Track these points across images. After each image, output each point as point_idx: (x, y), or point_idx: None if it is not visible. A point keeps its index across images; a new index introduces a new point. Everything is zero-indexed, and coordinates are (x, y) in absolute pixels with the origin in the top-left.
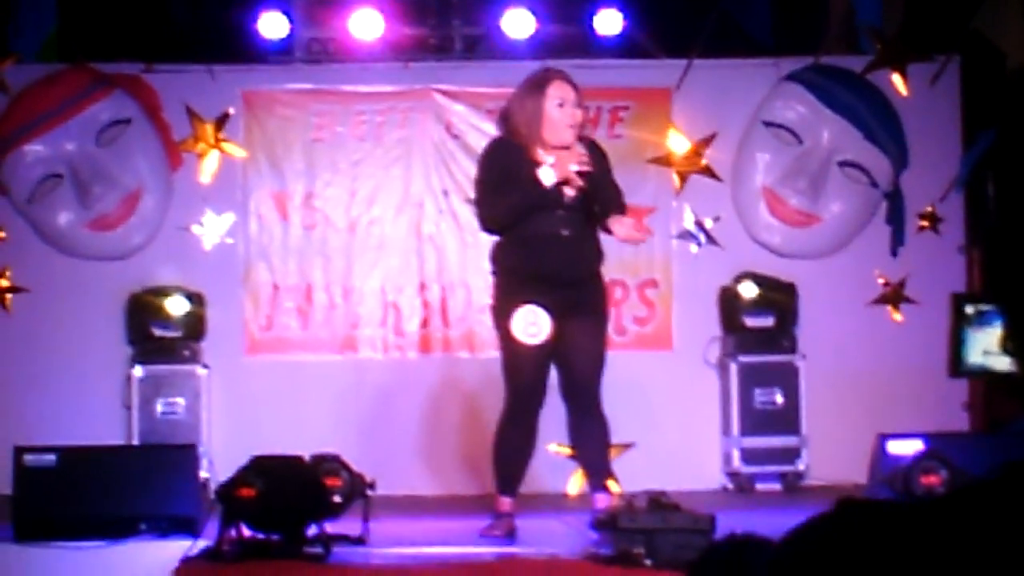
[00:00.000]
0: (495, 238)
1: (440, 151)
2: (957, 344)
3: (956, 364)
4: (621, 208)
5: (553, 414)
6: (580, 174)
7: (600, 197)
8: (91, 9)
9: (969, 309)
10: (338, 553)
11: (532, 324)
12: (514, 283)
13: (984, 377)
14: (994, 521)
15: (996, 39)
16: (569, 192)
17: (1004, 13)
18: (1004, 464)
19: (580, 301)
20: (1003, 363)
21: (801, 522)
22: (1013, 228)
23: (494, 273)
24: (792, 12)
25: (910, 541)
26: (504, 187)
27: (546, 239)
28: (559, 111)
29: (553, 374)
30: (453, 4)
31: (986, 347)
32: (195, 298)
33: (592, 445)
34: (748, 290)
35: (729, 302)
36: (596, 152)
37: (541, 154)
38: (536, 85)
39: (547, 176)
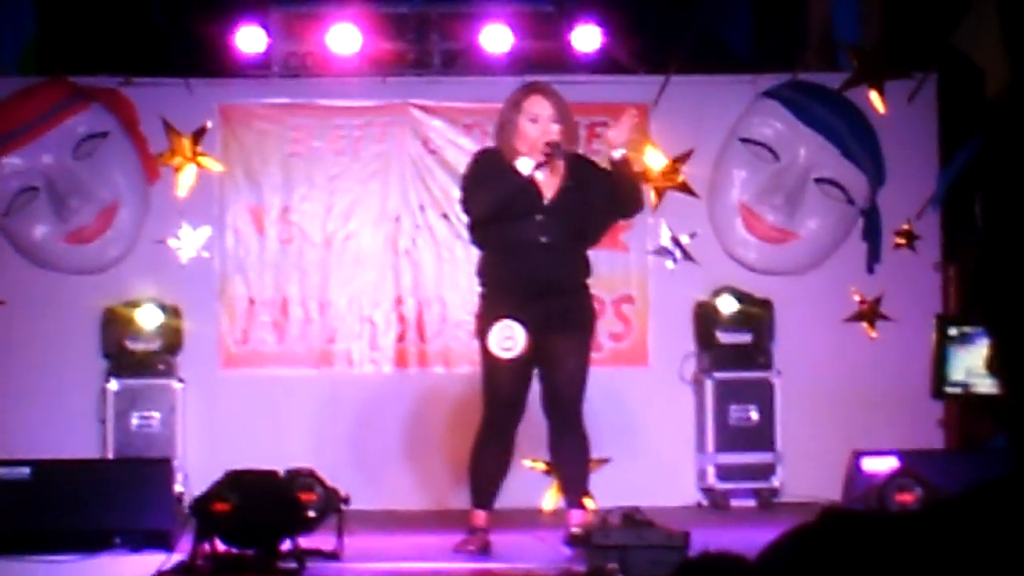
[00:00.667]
0: (479, 254)
1: (417, 166)
2: (940, 365)
3: (939, 385)
4: (634, 188)
5: (528, 429)
6: (552, 146)
7: (595, 196)
8: (69, 22)
9: (952, 331)
10: (312, 568)
11: (508, 338)
12: (499, 296)
13: (966, 397)
14: (978, 534)
15: (974, 56)
16: (547, 184)
17: (982, 30)
18: (983, 481)
19: (565, 315)
20: (985, 384)
21: (784, 531)
22: (1000, 246)
23: (482, 286)
24: (770, 29)
25: (894, 552)
26: (487, 184)
27: (526, 246)
28: (532, 126)
29: (535, 389)
30: (431, 19)
31: (969, 367)
32: (171, 312)
33: (571, 462)
34: (727, 304)
35: (705, 318)
36: (580, 163)
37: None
38: (514, 100)
39: (525, 165)
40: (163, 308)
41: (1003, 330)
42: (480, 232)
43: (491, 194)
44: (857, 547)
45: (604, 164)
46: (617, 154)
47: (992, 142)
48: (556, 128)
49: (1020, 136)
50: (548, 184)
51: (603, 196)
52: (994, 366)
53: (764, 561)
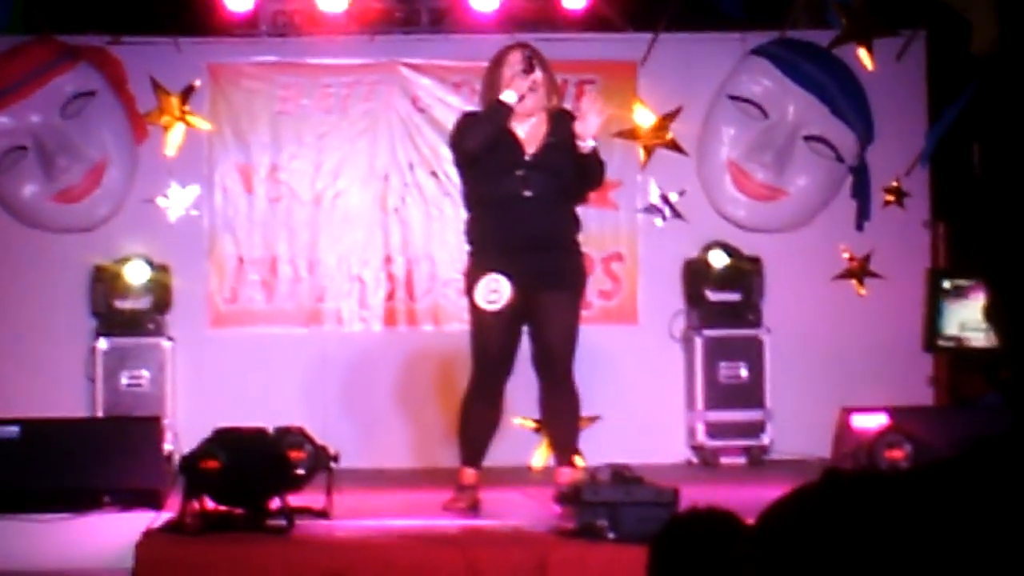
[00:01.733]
0: (466, 216)
1: (406, 124)
2: (933, 318)
3: (931, 338)
4: (599, 173)
5: (517, 387)
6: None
7: (575, 158)
8: None
9: (946, 284)
10: (301, 526)
11: (493, 291)
12: (487, 252)
13: (958, 351)
14: (983, 493)
15: (962, 11)
16: (527, 102)
17: None
18: (984, 437)
19: (555, 271)
20: (979, 337)
21: (787, 491)
22: (998, 196)
23: (470, 244)
24: None
25: (898, 512)
26: (477, 122)
27: (509, 201)
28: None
29: (525, 347)
30: None
31: (962, 320)
32: (160, 270)
33: (561, 419)
34: (718, 259)
35: (694, 276)
36: (565, 119)
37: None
38: (497, 58)
39: (510, 96)
40: (151, 266)
41: (1001, 280)
42: (466, 189)
43: (479, 128)
44: (860, 507)
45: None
46: (587, 147)
47: (989, 94)
48: (540, 73)
49: (1017, 88)
50: (531, 140)
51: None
52: (992, 316)
53: (766, 520)
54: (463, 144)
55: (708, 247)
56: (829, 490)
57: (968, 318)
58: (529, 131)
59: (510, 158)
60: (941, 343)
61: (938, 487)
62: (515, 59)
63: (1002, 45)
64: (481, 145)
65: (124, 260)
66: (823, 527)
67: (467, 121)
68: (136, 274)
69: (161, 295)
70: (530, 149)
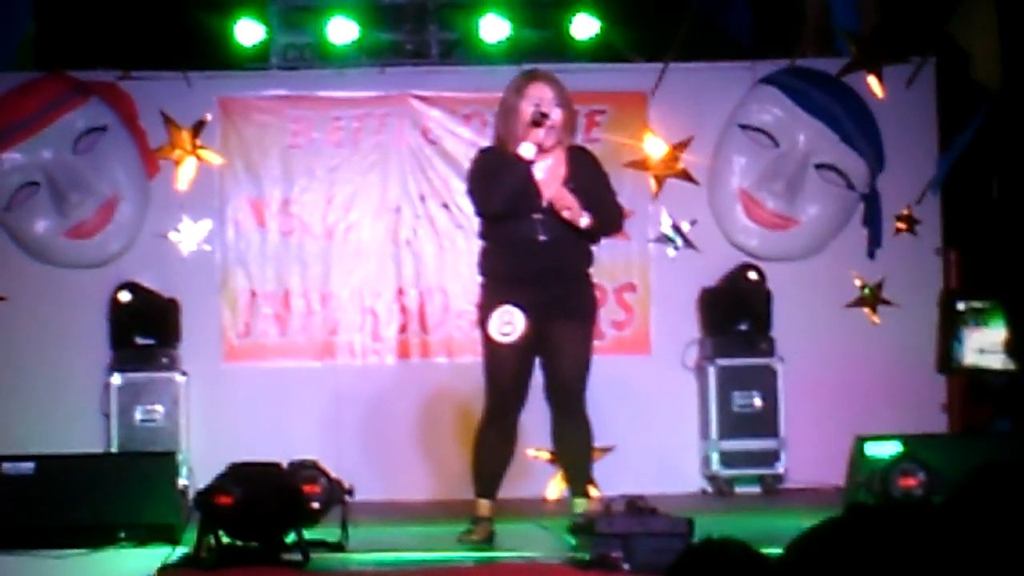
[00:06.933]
0: (480, 246)
1: (417, 156)
2: (947, 340)
3: (946, 360)
4: (613, 222)
5: (532, 418)
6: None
7: (593, 203)
8: (67, 17)
9: (960, 306)
10: (317, 559)
11: (507, 323)
12: (500, 287)
13: (977, 375)
14: (1000, 522)
15: (966, 43)
16: (547, 183)
17: (977, 16)
18: (993, 465)
19: (566, 302)
20: (997, 361)
21: (814, 526)
22: (1016, 229)
23: (482, 275)
24: (768, 15)
25: (922, 543)
26: (494, 179)
27: (524, 245)
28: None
29: (538, 377)
30: (429, 9)
31: (981, 346)
32: (173, 305)
33: (574, 450)
34: (753, 274)
35: (711, 305)
36: (583, 159)
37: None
38: (516, 86)
39: (527, 150)
40: (165, 302)
41: (1019, 312)
42: (484, 227)
43: (501, 188)
44: (884, 540)
45: (602, 157)
46: (584, 222)
47: (999, 126)
48: (559, 113)
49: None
50: (549, 183)
51: (597, 208)
52: (1013, 350)
53: (794, 553)
54: (487, 206)
55: (741, 268)
56: (854, 523)
57: (986, 343)
58: (547, 174)
59: (527, 202)
60: (955, 366)
61: (955, 517)
62: (535, 90)
63: (1007, 75)
64: (506, 205)
65: (138, 295)
66: (849, 559)
67: (485, 168)
68: (153, 314)
69: (174, 330)
70: (548, 193)
